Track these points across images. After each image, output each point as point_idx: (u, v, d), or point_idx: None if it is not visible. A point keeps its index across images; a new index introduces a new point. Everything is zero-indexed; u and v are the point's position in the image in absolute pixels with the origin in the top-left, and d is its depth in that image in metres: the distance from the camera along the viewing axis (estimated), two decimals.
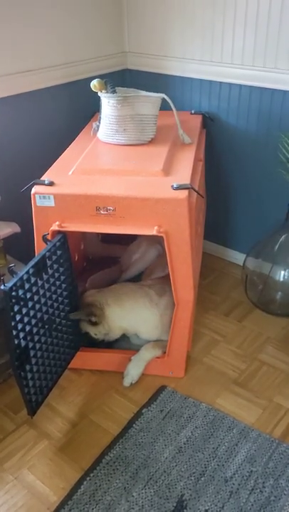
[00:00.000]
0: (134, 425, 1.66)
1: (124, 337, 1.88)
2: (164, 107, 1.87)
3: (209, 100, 2.24)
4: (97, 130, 1.94)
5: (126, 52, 2.40)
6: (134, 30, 2.32)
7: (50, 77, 2.07)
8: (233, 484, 1.47)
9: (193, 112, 2.25)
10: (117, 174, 1.64)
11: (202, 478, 1.49)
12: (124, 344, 1.89)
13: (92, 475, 1.50)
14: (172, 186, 1.53)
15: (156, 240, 2.21)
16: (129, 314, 1.80)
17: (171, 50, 2.25)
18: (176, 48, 2.22)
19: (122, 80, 2.42)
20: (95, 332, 1.81)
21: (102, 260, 2.34)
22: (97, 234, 2.38)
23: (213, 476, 1.49)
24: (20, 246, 1.89)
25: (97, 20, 2.20)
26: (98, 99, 1.88)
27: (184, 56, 2.22)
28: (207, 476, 1.49)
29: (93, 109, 2.21)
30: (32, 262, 1.44)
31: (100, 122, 1.92)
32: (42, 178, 1.61)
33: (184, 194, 1.50)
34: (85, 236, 2.30)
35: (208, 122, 2.26)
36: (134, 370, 1.79)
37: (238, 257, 2.48)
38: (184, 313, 1.70)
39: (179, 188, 1.52)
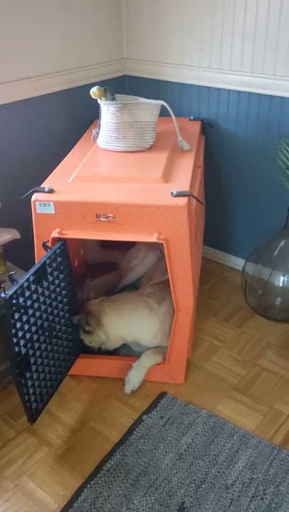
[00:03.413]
0: (134, 432, 1.65)
1: (124, 343, 1.88)
2: (164, 113, 1.88)
3: (208, 106, 2.25)
4: (97, 137, 1.95)
5: (125, 59, 2.41)
6: (133, 36, 2.34)
7: (49, 83, 2.07)
8: (234, 491, 1.47)
9: (192, 118, 2.26)
10: (117, 181, 1.65)
11: (203, 486, 1.48)
12: (125, 350, 1.89)
13: (92, 482, 1.50)
14: (172, 193, 1.53)
15: (156, 246, 2.22)
16: (128, 323, 1.81)
17: (170, 56, 2.26)
18: (175, 55, 2.23)
19: (121, 86, 2.43)
20: (90, 340, 1.82)
21: (101, 266, 2.35)
22: (97, 240, 2.38)
23: (213, 483, 1.49)
24: (20, 252, 1.90)
25: (96, 27, 2.21)
26: (98, 105, 1.88)
27: (183, 63, 2.23)
28: (208, 483, 1.49)
29: (93, 115, 2.22)
30: (32, 270, 1.45)
31: (99, 129, 1.93)
32: (42, 186, 1.61)
33: (183, 201, 1.50)
34: (84, 242, 2.30)
35: (207, 128, 2.27)
36: (135, 377, 1.79)
37: (237, 263, 2.49)
38: (183, 320, 1.70)
39: (179, 195, 1.52)
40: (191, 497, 1.45)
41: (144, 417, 1.71)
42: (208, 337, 2.07)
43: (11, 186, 2.01)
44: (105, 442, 1.63)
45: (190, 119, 2.25)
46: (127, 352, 1.89)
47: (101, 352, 1.88)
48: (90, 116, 2.23)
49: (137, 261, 2.20)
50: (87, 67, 2.23)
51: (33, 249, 1.66)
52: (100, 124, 1.90)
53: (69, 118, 2.22)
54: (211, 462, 1.55)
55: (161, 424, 1.68)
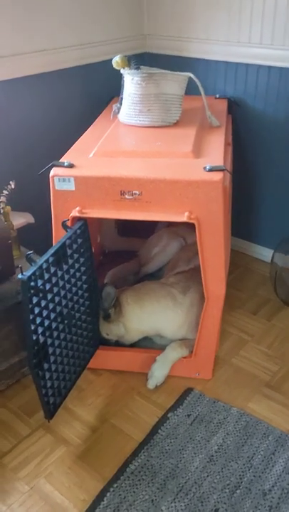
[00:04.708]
0: (159, 431, 1.51)
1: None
2: (188, 91, 1.74)
3: (235, 84, 2.11)
4: (118, 112, 1.81)
5: (145, 35, 2.27)
6: (154, 11, 2.19)
7: (65, 58, 1.94)
8: (273, 498, 1.32)
9: (217, 96, 2.12)
10: (142, 156, 1.51)
11: (237, 491, 1.34)
12: (146, 343, 1.75)
13: (115, 486, 1.36)
14: (205, 168, 1.39)
15: (178, 233, 2.08)
16: (150, 316, 1.67)
17: (194, 31, 2.11)
18: (200, 29, 2.09)
19: (141, 63, 2.27)
20: (107, 331, 1.68)
21: (119, 254, 2.22)
22: (115, 226, 2.25)
23: (249, 488, 1.35)
24: (33, 238, 1.77)
25: (115, 1, 2.07)
26: (116, 83, 1.76)
27: (208, 37, 2.08)
28: (243, 488, 1.35)
29: (110, 94, 2.09)
30: (52, 250, 1.31)
31: (120, 104, 1.79)
32: (61, 160, 1.47)
33: (218, 176, 1.36)
34: (101, 228, 2.17)
35: (234, 107, 2.12)
36: (159, 372, 1.65)
37: (263, 253, 2.34)
38: (213, 310, 1.56)
39: (213, 169, 1.38)
40: (225, 503, 1.31)
41: (169, 415, 1.57)
42: (235, 330, 1.93)
43: (24, 165, 1.88)
44: (128, 441, 1.49)
45: (216, 98, 2.11)
46: (148, 344, 1.75)
47: (119, 344, 1.74)
48: (108, 94, 2.10)
49: (158, 249, 2.06)
50: (104, 43, 2.09)
51: (48, 234, 1.52)
52: (121, 98, 1.76)
53: (85, 96, 2.09)
54: (246, 465, 1.41)
55: (188, 423, 1.54)
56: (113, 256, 2.21)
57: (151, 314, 1.67)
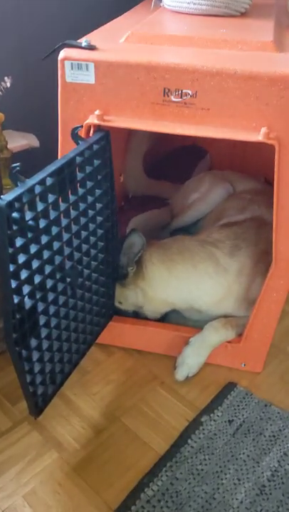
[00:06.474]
0: (189, 441, 1.09)
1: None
2: None
3: None
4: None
5: None
6: None
7: None
8: None
9: None
10: (200, 45, 1.01)
11: None
12: (178, 317, 1.30)
13: None
14: None
15: (225, 177, 1.60)
16: (181, 284, 1.22)
17: None
18: None
19: None
20: (121, 299, 1.24)
21: (145, 200, 1.76)
22: (142, 164, 1.77)
23: None
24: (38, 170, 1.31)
25: None
26: None
27: None
28: None
29: None
30: (52, 167, 0.84)
31: None
32: (78, 40, 0.99)
33: None
34: (126, 165, 1.70)
35: None
36: (193, 359, 1.20)
37: None
38: (281, 280, 1.09)
39: None
40: None
41: (203, 419, 1.14)
42: None
43: (31, 66, 1.40)
44: (145, 452, 1.07)
45: None
46: (180, 319, 1.31)
47: (138, 317, 1.30)
48: None
49: (198, 196, 1.59)
50: None
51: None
52: None
53: None
54: None
55: (229, 433, 1.11)
56: (138, 202, 1.76)
57: (182, 281, 1.22)
